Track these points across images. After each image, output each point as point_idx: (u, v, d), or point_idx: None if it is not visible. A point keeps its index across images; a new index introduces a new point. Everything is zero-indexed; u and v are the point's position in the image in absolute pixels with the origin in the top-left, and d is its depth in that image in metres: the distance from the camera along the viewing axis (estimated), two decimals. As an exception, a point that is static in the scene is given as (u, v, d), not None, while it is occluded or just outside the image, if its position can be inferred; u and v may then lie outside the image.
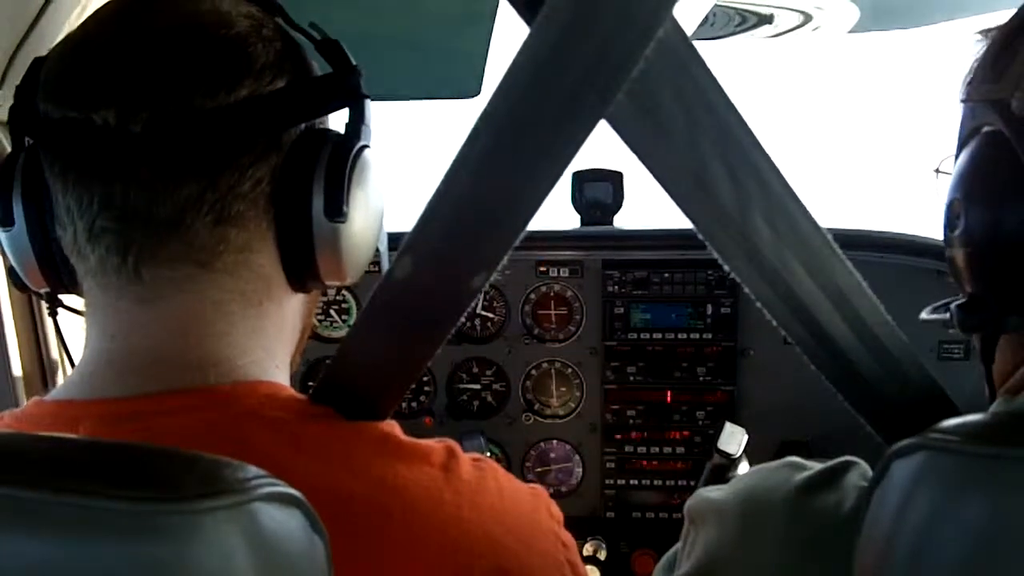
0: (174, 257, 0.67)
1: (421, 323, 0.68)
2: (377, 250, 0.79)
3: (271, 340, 0.73)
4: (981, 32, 0.69)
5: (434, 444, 0.70)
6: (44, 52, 0.70)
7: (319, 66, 0.75)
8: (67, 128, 0.65)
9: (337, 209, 0.70)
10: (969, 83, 0.69)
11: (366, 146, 0.74)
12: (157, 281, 0.67)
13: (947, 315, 0.71)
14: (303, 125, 0.71)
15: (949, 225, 0.70)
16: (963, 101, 0.70)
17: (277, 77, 0.68)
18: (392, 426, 0.70)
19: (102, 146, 0.64)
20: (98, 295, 0.69)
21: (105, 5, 0.70)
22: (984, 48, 0.69)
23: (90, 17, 0.69)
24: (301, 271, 0.72)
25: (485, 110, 0.60)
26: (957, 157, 0.70)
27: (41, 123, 0.67)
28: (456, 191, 0.62)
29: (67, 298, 0.80)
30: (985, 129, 0.66)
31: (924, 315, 0.78)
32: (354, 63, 0.73)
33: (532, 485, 0.76)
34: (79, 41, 0.68)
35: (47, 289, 0.75)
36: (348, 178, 0.70)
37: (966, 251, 0.68)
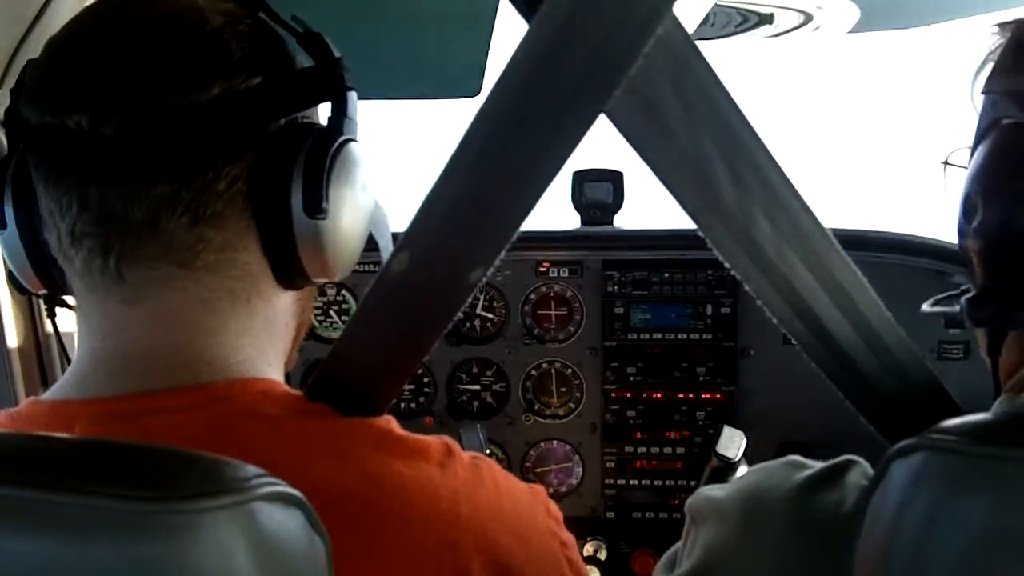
0: (153, 258, 0.66)
1: (418, 318, 0.68)
2: (375, 247, 0.79)
3: (261, 338, 0.72)
4: (999, 25, 0.69)
5: (431, 440, 0.69)
6: None
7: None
8: (45, 133, 0.65)
9: (316, 206, 0.68)
10: (990, 75, 0.69)
11: (349, 140, 0.72)
12: (140, 282, 0.67)
13: (952, 308, 0.71)
14: (283, 120, 0.69)
15: (965, 217, 0.69)
16: (984, 93, 0.70)
17: (252, 74, 0.67)
18: (389, 421, 0.69)
19: (76, 150, 0.64)
20: (86, 296, 0.69)
21: (86, 8, 0.70)
22: (1005, 40, 0.69)
23: (71, 20, 0.69)
24: (287, 269, 0.71)
25: (483, 105, 0.60)
26: (975, 150, 0.70)
27: (24, 127, 0.67)
28: (454, 185, 0.62)
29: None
30: (1005, 121, 0.66)
31: (926, 307, 0.77)
32: (337, 55, 0.72)
33: (531, 484, 0.76)
34: (58, 44, 0.68)
35: (44, 291, 0.75)
36: (327, 174, 0.69)
37: (981, 244, 0.68)
